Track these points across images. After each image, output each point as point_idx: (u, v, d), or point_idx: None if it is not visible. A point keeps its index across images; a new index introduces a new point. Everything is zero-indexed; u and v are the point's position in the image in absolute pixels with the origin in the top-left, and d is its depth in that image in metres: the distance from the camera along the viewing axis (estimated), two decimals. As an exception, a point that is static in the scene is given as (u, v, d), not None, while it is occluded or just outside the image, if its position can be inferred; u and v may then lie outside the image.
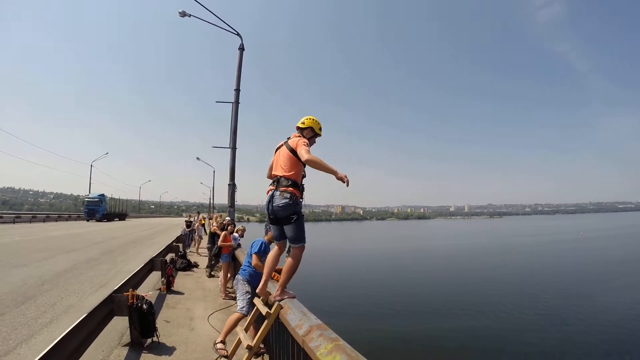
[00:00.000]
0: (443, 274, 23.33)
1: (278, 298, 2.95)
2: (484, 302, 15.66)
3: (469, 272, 24.11)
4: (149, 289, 7.51)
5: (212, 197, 45.23)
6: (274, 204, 2.94)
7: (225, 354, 3.47)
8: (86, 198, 43.38)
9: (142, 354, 4.26)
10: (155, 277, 8.23)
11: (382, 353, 9.68)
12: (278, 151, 3.15)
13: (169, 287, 7.51)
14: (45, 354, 2.70)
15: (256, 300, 3.22)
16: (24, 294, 6.37)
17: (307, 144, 2.94)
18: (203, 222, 17.99)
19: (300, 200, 2.99)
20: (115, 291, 4.78)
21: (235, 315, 3.83)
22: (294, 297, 2.94)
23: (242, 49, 10.81)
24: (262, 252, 4.25)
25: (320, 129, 3.23)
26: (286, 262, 3.04)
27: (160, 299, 6.94)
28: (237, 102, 10.71)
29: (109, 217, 44.22)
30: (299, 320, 2.29)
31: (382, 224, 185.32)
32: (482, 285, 19.46)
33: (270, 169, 3.23)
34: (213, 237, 9.24)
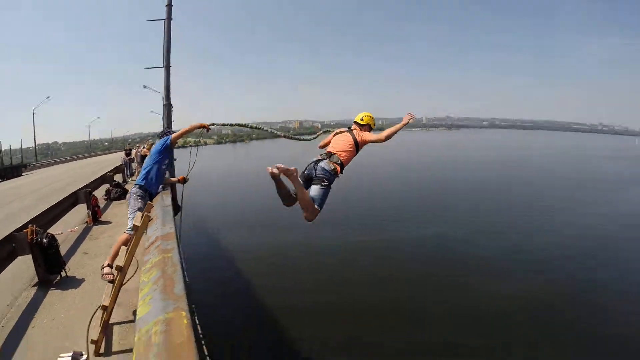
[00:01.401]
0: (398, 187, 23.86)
1: None
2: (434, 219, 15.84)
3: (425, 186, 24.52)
4: (75, 223, 6.92)
5: (163, 124, 41.90)
6: (319, 165, 3.48)
7: (111, 278, 3.14)
8: None
9: (50, 291, 3.96)
10: (83, 210, 7.53)
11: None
12: (338, 135, 3.83)
13: (95, 218, 6.95)
14: None
15: (137, 215, 2.74)
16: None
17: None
18: (148, 152, 16.62)
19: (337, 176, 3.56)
20: (18, 230, 4.28)
21: (123, 236, 3.40)
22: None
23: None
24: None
25: (374, 124, 3.97)
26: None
27: (86, 231, 6.48)
28: (169, 18, 9.99)
29: None
30: (154, 230, 1.82)
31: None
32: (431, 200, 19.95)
33: (325, 143, 3.93)
34: (143, 160, 8.40)
